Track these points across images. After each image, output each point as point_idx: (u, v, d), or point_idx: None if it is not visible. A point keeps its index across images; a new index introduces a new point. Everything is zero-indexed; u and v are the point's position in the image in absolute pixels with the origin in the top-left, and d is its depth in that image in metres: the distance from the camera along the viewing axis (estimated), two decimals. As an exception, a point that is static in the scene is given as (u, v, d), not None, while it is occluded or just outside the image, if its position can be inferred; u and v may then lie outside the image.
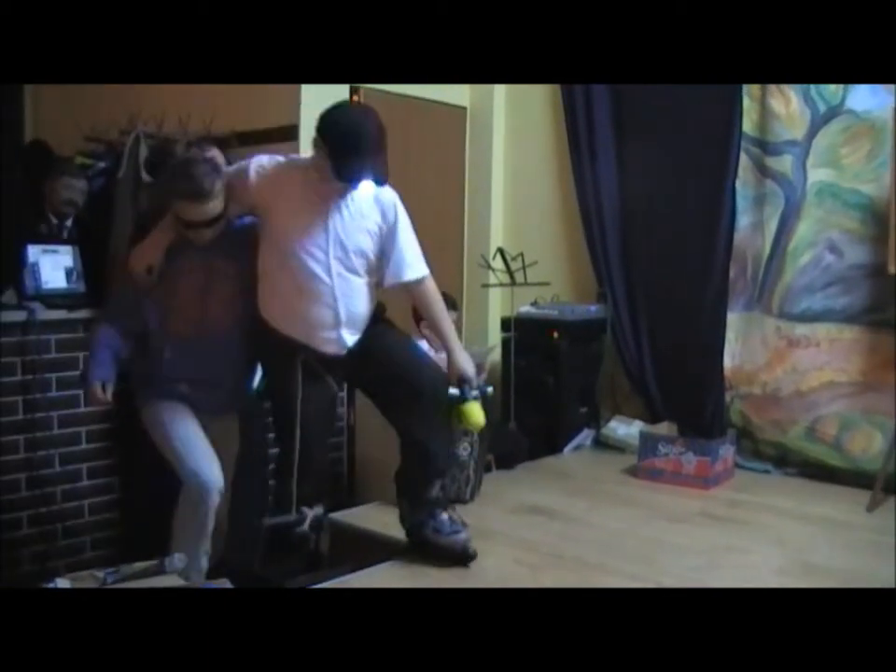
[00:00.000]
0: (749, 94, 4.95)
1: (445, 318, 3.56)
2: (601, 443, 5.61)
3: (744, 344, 5.14)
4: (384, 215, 3.34)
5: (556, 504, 4.33)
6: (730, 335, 5.13)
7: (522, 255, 5.33)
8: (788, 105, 4.86)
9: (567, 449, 5.50)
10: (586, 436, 5.61)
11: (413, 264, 3.41)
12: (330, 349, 3.36)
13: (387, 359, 3.45)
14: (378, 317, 3.50)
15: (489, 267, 5.43)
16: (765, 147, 4.97)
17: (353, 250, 3.28)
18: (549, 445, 5.43)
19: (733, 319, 5.12)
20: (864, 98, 4.61)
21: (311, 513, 3.45)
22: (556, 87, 5.77)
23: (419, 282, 3.47)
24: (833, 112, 4.73)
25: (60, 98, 5.67)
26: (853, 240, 4.69)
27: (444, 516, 3.57)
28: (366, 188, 3.24)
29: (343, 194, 3.22)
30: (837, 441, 4.78)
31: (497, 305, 6.01)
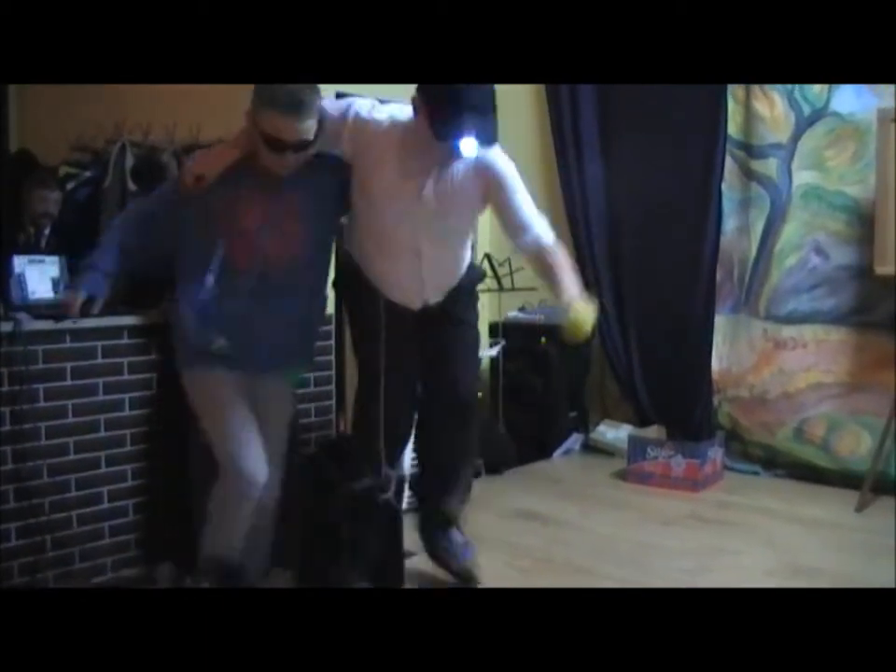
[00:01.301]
0: (734, 97, 4.97)
1: (574, 277, 3.09)
2: (590, 447, 5.63)
3: (731, 347, 5.16)
4: (489, 179, 3.02)
5: (546, 508, 4.33)
6: (717, 338, 5.15)
7: (509, 260, 5.35)
8: (772, 108, 4.88)
9: (556, 453, 5.51)
10: (575, 440, 5.62)
11: (532, 231, 3.08)
12: (411, 305, 3.20)
13: (447, 356, 3.29)
14: (471, 289, 3.36)
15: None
16: (750, 150, 4.99)
17: (448, 225, 3.07)
18: (538, 450, 5.44)
19: (720, 322, 5.14)
20: (849, 100, 4.63)
21: (394, 475, 3.25)
22: (541, 90, 5.78)
23: (547, 246, 3.11)
24: (818, 115, 4.75)
25: (46, 107, 5.66)
26: (839, 242, 4.71)
27: (458, 537, 3.47)
28: (469, 152, 2.87)
29: (443, 162, 2.95)
30: (825, 441, 4.80)
31: (485, 311, 6.01)
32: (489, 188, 3.04)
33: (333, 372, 4.71)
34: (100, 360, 3.82)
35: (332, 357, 4.70)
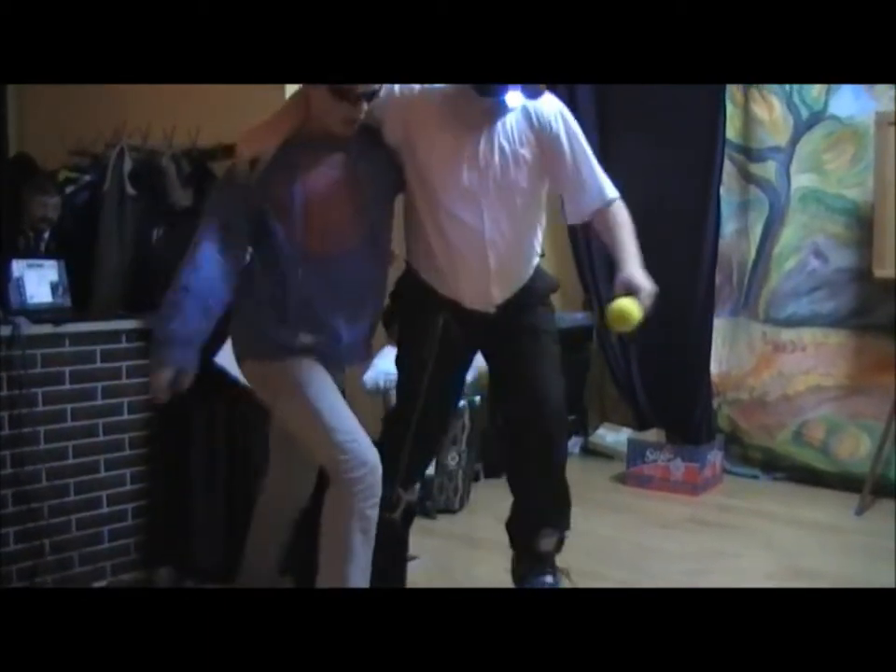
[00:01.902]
0: (733, 101, 4.98)
1: (634, 240, 2.95)
2: (589, 451, 5.63)
3: (731, 350, 5.16)
4: (543, 132, 2.80)
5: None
6: (716, 341, 5.15)
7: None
8: (771, 112, 4.88)
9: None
10: (574, 444, 5.62)
11: (595, 185, 2.89)
12: (477, 302, 2.90)
13: (523, 367, 2.98)
14: (545, 296, 3.07)
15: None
16: (749, 153, 4.99)
17: (508, 187, 2.79)
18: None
19: (719, 325, 5.14)
20: (847, 103, 4.64)
21: (405, 498, 3.03)
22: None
23: (610, 203, 2.91)
24: (816, 118, 4.75)
25: (45, 111, 5.66)
26: (838, 244, 4.72)
27: (548, 578, 3.09)
28: (515, 103, 2.68)
29: (491, 118, 2.73)
30: (825, 444, 4.80)
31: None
32: (545, 141, 2.81)
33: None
34: (99, 364, 3.81)
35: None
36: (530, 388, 2.96)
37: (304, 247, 2.68)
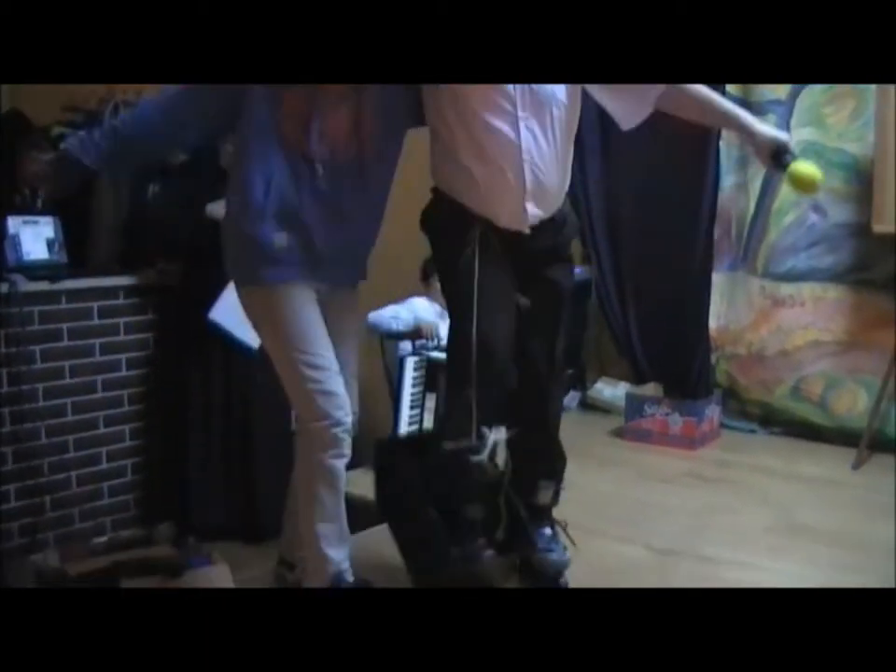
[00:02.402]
0: (733, 53, 4.93)
1: (722, 101, 2.88)
2: (587, 405, 5.64)
3: (729, 305, 5.15)
4: None
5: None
6: (715, 296, 5.13)
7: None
8: (771, 64, 4.84)
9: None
10: (572, 398, 5.62)
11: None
12: (511, 222, 2.81)
13: (534, 314, 2.92)
14: (570, 238, 3.01)
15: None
16: (749, 106, 4.93)
17: (544, 97, 2.72)
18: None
19: (717, 279, 5.12)
20: (848, 56, 4.59)
21: (492, 437, 2.83)
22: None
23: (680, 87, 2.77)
24: (817, 70, 4.71)
25: (36, 65, 5.60)
26: (837, 199, 4.69)
27: (548, 531, 3.10)
28: None
29: None
30: (822, 399, 4.81)
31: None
32: None
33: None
34: (96, 321, 3.82)
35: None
36: (535, 338, 2.95)
37: (289, 141, 2.60)
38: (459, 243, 2.80)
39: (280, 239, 2.62)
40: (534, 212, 2.82)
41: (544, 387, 3.00)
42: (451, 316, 2.94)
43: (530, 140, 2.74)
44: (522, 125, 2.72)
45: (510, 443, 2.96)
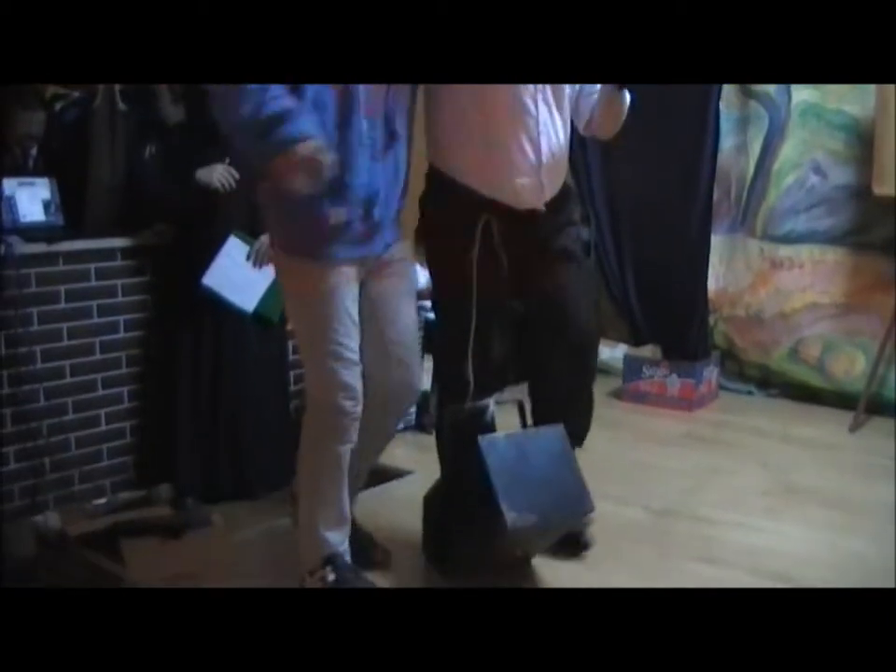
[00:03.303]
0: (734, 13, 4.88)
1: None
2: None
3: (728, 267, 5.14)
4: None
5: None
6: (714, 257, 5.12)
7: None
8: (773, 24, 4.80)
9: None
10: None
11: None
12: (528, 199, 2.82)
13: (558, 283, 2.94)
14: (576, 206, 3.02)
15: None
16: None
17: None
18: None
19: (716, 241, 5.11)
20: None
21: (489, 405, 2.93)
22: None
23: None
24: (819, 30, 4.67)
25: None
26: (837, 161, 4.67)
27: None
28: None
29: None
30: (820, 362, 4.82)
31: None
32: None
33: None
34: (94, 283, 3.80)
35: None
36: (565, 305, 2.95)
37: (342, 109, 2.51)
38: (461, 236, 2.80)
39: (338, 215, 2.55)
40: (550, 186, 2.84)
41: (585, 348, 3.04)
42: (441, 308, 3.00)
43: (546, 113, 2.75)
44: (539, 97, 2.73)
45: (541, 407, 3.04)
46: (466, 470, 2.78)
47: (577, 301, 2.98)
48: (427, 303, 4.64)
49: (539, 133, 2.75)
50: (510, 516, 2.63)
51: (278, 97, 2.37)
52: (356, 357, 2.65)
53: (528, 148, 2.76)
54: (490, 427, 2.90)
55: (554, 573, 2.95)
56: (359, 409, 2.68)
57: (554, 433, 2.89)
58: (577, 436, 3.09)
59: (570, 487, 2.83)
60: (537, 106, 2.74)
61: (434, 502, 3.04)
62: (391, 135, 2.59)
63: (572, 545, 3.06)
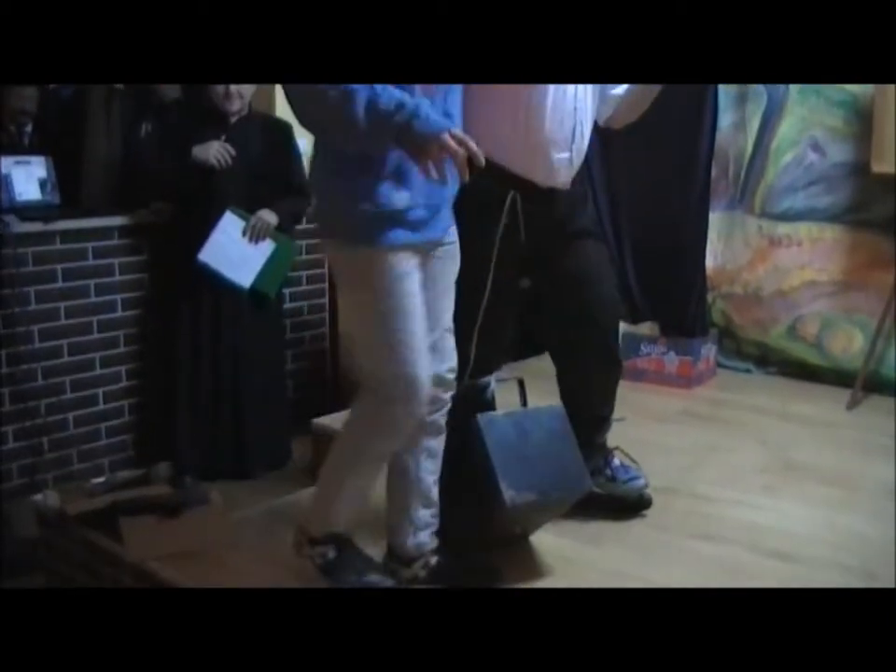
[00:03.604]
0: (732, -10, 4.85)
1: None
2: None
3: (726, 244, 5.13)
4: None
5: (539, 404, 4.33)
6: (712, 235, 5.10)
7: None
8: (772, 1, 4.77)
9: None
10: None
11: None
12: (561, 176, 2.84)
13: (583, 262, 2.98)
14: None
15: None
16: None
17: None
18: (530, 346, 5.43)
19: (714, 219, 5.10)
20: (850, -8, 4.53)
21: (490, 383, 2.96)
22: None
23: None
24: (818, 6, 4.64)
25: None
26: (836, 138, 4.65)
27: (617, 461, 3.24)
28: None
29: None
30: (818, 340, 4.81)
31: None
32: None
33: (326, 270, 4.70)
34: (91, 261, 3.80)
35: (324, 255, 4.68)
36: (589, 282, 2.99)
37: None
38: (487, 211, 2.78)
39: (401, 200, 2.43)
40: (577, 164, 2.87)
41: (611, 324, 3.10)
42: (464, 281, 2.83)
43: (580, 89, 2.77)
44: None
45: (569, 387, 3.12)
46: (464, 449, 2.77)
47: (600, 278, 3.03)
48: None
49: (575, 110, 2.77)
50: (508, 494, 2.64)
51: (389, 89, 2.27)
52: (421, 345, 2.50)
53: (567, 125, 2.77)
54: (490, 405, 2.91)
55: (556, 550, 2.95)
56: (424, 407, 2.55)
57: (554, 412, 2.91)
58: (604, 418, 3.20)
59: (569, 466, 2.83)
60: (575, 86, 2.76)
61: None
62: (446, 115, 2.48)
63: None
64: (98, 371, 3.89)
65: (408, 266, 2.47)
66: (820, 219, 4.75)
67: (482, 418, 2.74)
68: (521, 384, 2.98)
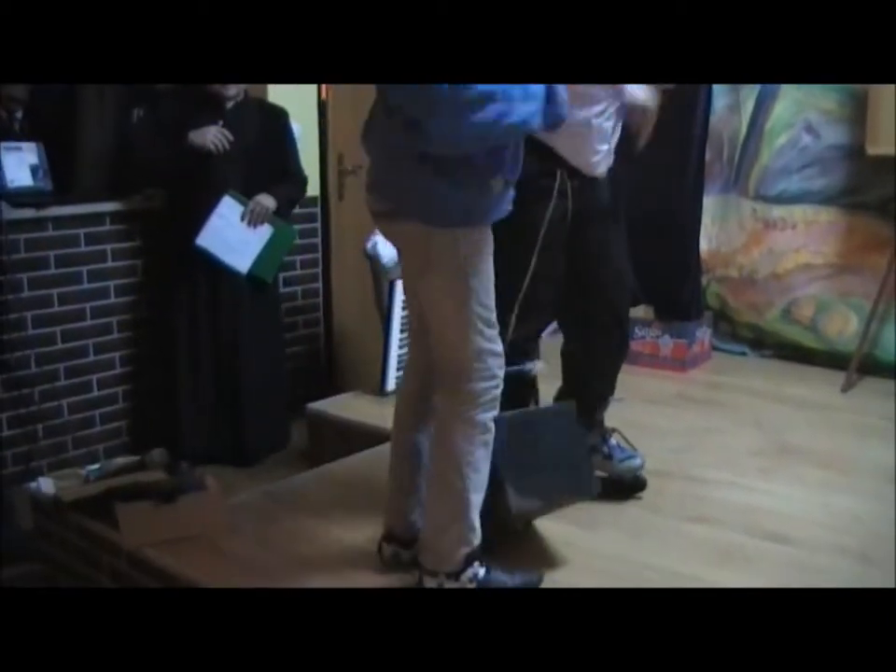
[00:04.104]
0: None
1: None
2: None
3: (720, 227, 5.12)
4: None
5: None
6: (706, 218, 5.10)
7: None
8: (766, -18, 4.75)
9: (543, 333, 5.50)
10: (563, 322, 5.61)
11: None
12: (600, 168, 3.00)
13: (607, 246, 3.10)
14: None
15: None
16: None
17: None
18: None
19: (709, 202, 5.09)
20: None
21: (534, 367, 3.00)
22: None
23: None
24: (812, -12, 4.63)
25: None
26: (831, 121, 4.64)
27: (614, 441, 3.25)
28: None
29: None
30: (813, 323, 4.82)
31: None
32: None
33: (319, 255, 4.69)
34: (83, 248, 3.79)
35: (318, 240, 4.67)
36: (611, 263, 3.10)
37: None
38: (538, 189, 2.81)
39: (497, 183, 2.44)
40: (612, 157, 3.02)
41: (624, 305, 3.18)
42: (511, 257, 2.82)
43: (615, 94, 2.91)
44: None
45: (573, 364, 3.16)
46: None
47: (620, 259, 3.16)
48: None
49: (623, 104, 2.95)
50: (514, 502, 2.62)
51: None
52: (497, 340, 2.53)
53: (615, 118, 2.94)
54: (532, 390, 2.93)
55: (553, 535, 2.95)
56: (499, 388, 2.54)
57: (562, 411, 2.89)
58: (604, 396, 3.22)
59: (577, 470, 2.82)
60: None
61: None
62: None
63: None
64: (92, 358, 3.88)
65: (491, 244, 2.50)
66: (815, 202, 4.74)
67: None
68: (533, 381, 2.97)
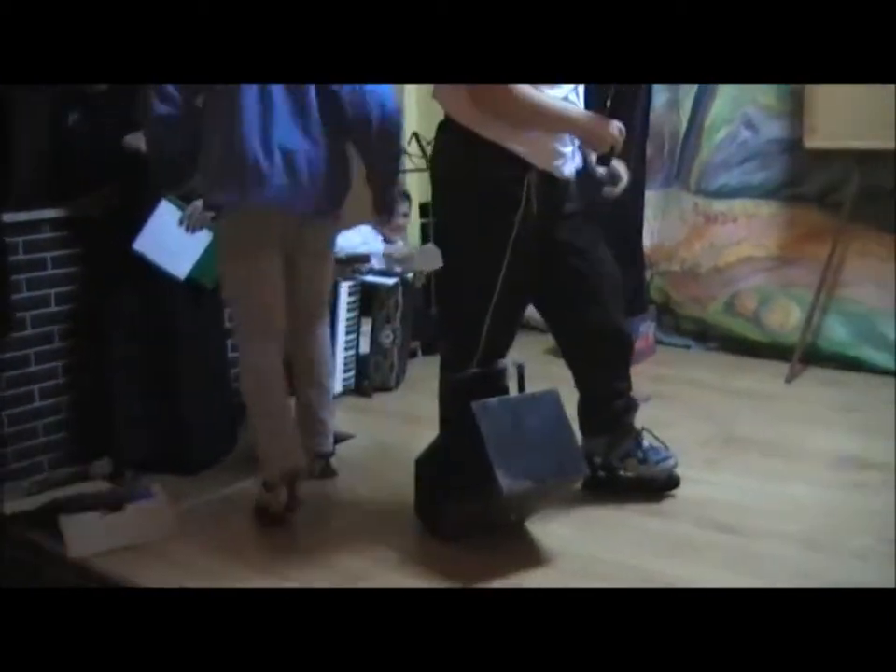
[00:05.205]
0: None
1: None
2: (522, 324, 5.61)
3: (662, 221, 5.17)
4: None
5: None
6: (648, 212, 5.15)
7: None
8: (701, -22, 4.80)
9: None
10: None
11: None
12: (566, 169, 2.99)
13: (588, 245, 3.18)
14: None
15: (404, 153, 5.33)
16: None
17: None
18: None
19: (651, 197, 5.13)
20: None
21: (505, 365, 3.05)
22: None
23: None
24: (747, -16, 4.68)
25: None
26: (769, 115, 4.70)
27: (647, 443, 3.28)
28: None
29: None
30: (756, 315, 4.87)
31: (415, 191, 5.93)
32: None
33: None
34: (22, 255, 3.72)
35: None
36: (587, 256, 3.16)
37: None
38: (508, 191, 2.85)
39: (264, 164, 2.80)
40: (577, 158, 3.04)
41: (611, 296, 3.21)
42: (466, 265, 2.97)
43: (579, 89, 2.93)
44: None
45: (584, 361, 3.25)
46: (459, 436, 2.80)
47: (596, 252, 3.22)
48: (363, 266, 4.63)
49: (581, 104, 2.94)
50: (504, 482, 2.65)
51: None
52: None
53: (581, 122, 2.90)
54: (505, 391, 2.94)
55: (543, 532, 2.97)
56: None
57: (549, 397, 2.92)
58: (619, 392, 3.27)
59: (564, 452, 2.84)
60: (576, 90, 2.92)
61: (426, 465, 3.05)
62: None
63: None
64: (33, 368, 3.80)
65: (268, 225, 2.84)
66: (755, 195, 4.80)
67: (476, 405, 2.75)
68: (520, 369, 2.98)
